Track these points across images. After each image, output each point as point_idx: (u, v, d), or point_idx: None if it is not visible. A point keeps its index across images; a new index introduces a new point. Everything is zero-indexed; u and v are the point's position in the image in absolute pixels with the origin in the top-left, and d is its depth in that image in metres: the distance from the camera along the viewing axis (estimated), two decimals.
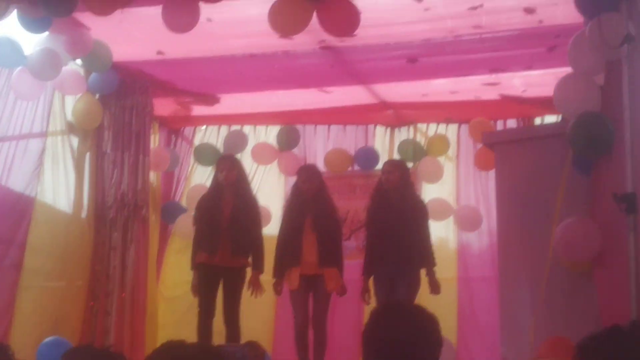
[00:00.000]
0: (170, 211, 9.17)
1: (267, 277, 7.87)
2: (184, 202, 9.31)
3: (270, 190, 9.38)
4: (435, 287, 7.45)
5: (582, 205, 5.41)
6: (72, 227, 7.70)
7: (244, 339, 7.29)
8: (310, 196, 7.54)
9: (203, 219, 7.52)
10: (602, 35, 4.47)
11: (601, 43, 4.53)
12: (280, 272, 7.51)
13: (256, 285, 7.48)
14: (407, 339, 2.71)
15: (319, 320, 7.44)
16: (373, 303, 7.51)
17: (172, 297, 8.99)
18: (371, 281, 7.57)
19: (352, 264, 7.98)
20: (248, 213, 7.54)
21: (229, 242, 7.36)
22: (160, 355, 2.68)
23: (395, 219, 7.32)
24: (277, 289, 7.55)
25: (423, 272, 7.44)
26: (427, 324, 2.79)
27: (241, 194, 7.60)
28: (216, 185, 7.66)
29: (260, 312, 8.69)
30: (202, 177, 9.46)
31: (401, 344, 2.70)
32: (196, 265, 7.48)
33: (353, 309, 8.29)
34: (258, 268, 7.50)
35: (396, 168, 7.66)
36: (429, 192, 8.98)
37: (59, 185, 7.53)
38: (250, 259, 7.51)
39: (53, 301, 7.39)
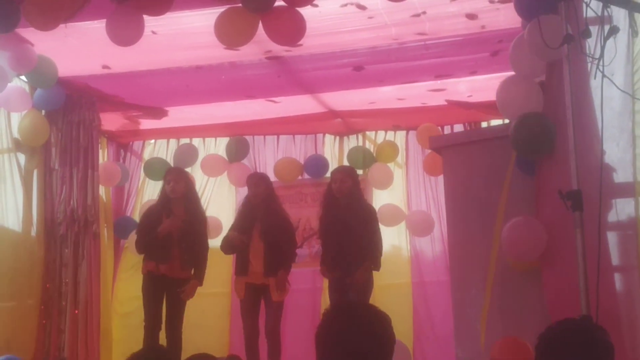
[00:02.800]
0: (123, 226, 9.13)
1: (221, 289, 7.86)
2: (135, 217, 9.26)
3: (221, 201, 9.39)
4: None
5: (528, 205, 5.47)
6: (22, 245, 7.61)
7: (200, 351, 7.25)
8: (258, 204, 7.58)
9: (153, 229, 7.44)
10: (542, 37, 4.54)
11: (541, 44, 4.60)
12: None
13: (191, 293, 7.43)
14: (360, 337, 2.73)
15: (271, 330, 7.45)
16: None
17: (125, 313, 8.94)
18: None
19: (305, 272, 8.02)
20: (198, 226, 7.56)
21: (179, 254, 7.37)
22: None
23: (347, 224, 7.38)
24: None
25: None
26: (378, 322, 2.82)
27: (190, 206, 7.60)
28: (164, 197, 7.61)
29: (215, 324, 8.68)
30: (152, 191, 9.42)
31: (354, 343, 2.72)
32: (145, 274, 7.43)
33: (307, 317, 8.31)
34: (199, 278, 7.50)
35: (348, 176, 7.70)
36: (379, 199, 9.05)
37: (7, 204, 7.42)
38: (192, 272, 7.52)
39: (4, 321, 7.28)
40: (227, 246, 7.61)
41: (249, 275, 7.46)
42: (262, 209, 7.58)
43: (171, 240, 7.37)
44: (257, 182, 7.69)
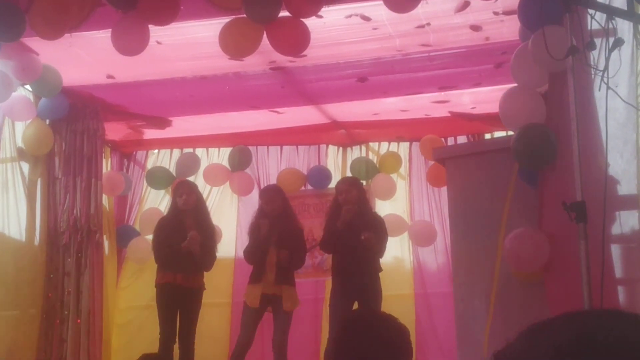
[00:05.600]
0: (124, 235, 9.12)
1: (222, 299, 7.84)
2: (137, 226, 9.27)
3: (223, 210, 9.39)
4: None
5: (532, 216, 5.47)
6: (25, 254, 7.60)
7: None
8: (275, 216, 7.62)
9: (166, 241, 7.50)
10: (546, 48, 4.54)
11: (545, 55, 4.60)
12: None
13: (194, 244, 7.44)
14: (379, 348, 2.73)
15: (280, 344, 7.45)
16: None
17: (123, 323, 8.91)
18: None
19: (307, 283, 8.00)
20: (206, 239, 7.60)
21: (191, 264, 7.41)
22: None
23: (356, 235, 7.37)
24: None
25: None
26: (398, 334, 2.81)
27: (200, 219, 7.69)
28: (175, 209, 7.70)
29: (216, 334, 8.66)
30: (155, 200, 9.44)
31: (372, 353, 2.72)
32: (161, 285, 7.47)
33: (309, 328, 8.30)
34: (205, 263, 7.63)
35: (353, 186, 7.73)
36: (382, 210, 9.04)
37: (10, 213, 7.41)
38: (204, 280, 7.65)
39: (7, 330, 7.28)
40: (254, 248, 7.64)
41: (262, 284, 7.48)
42: (279, 222, 7.62)
43: (183, 251, 7.42)
44: (273, 198, 7.74)
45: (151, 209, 9.13)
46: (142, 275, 8.10)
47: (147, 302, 7.59)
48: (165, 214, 8.16)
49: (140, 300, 8.24)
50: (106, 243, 8.58)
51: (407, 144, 9.50)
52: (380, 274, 7.62)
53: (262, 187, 8.96)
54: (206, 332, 8.13)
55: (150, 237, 8.11)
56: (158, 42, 6.47)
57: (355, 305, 7.40)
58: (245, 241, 8.07)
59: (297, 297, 7.61)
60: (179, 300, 7.45)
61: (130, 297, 8.94)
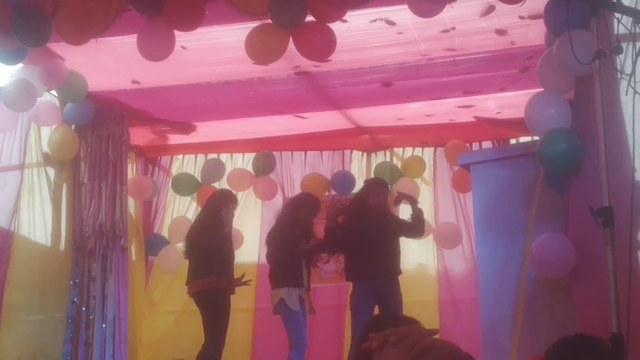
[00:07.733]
0: (153, 243, 9.14)
1: (246, 305, 7.87)
2: (164, 232, 9.28)
3: (247, 215, 9.39)
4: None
5: (558, 222, 5.44)
6: (50, 259, 7.65)
7: None
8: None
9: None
10: (573, 52, 4.52)
11: (571, 59, 4.57)
12: None
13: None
14: None
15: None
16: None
17: (155, 332, 8.93)
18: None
19: (330, 288, 7.97)
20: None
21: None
22: None
23: (377, 234, 7.34)
24: None
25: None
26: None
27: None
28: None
29: (238, 339, 8.65)
30: (179, 206, 9.46)
31: None
32: (221, 290, 7.54)
33: (333, 335, 8.28)
34: None
35: (387, 191, 7.70)
36: (406, 214, 9.00)
37: (36, 218, 7.46)
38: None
39: (33, 334, 7.34)
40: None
41: (301, 288, 7.54)
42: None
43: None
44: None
45: (180, 218, 9.13)
46: (173, 283, 8.10)
47: (181, 307, 7.60)
48: (193, 221, 8.20)
49: (173, 307, 8.23)
50: (133, 249, 8.62)
51: (431, 149, 9.47)
52: (404, 281, 7.53)
53: (285, 192, 9.07)
54: (229, 337, 8.14)
55: (179, 245, 8.12)
56: (183, 47, 6.47)
57: (377, 309, 7.33)
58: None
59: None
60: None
61: (162, 305, 8.95)
